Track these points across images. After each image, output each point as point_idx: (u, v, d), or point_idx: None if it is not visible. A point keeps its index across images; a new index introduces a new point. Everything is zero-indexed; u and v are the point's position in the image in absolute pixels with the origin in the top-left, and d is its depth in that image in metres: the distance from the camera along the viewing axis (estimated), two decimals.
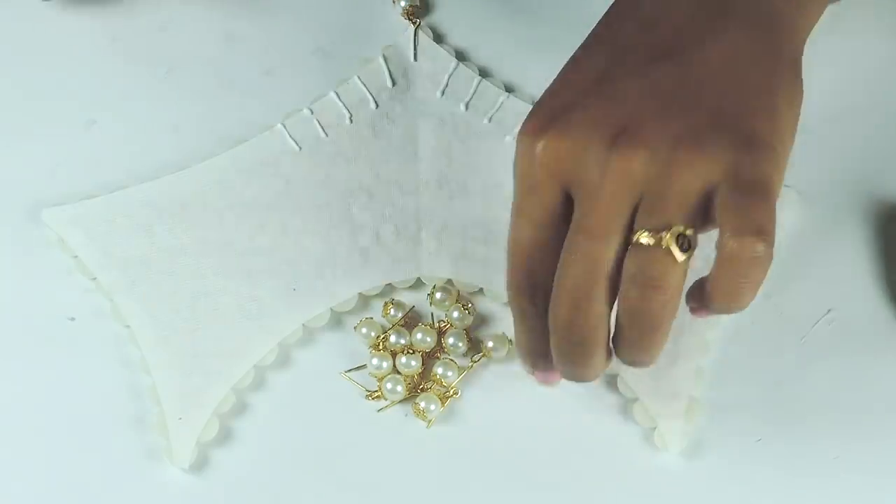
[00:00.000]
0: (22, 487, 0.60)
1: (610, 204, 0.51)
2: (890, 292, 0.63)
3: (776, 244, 0.54)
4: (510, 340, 0.62)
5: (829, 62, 0.70)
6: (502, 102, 0.67)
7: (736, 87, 0.52)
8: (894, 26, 0.71)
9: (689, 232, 0.50)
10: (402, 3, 0.70)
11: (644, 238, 0.50)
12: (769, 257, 0.50)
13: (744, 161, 0.50)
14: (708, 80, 0.53)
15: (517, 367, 0.62)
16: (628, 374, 0.61)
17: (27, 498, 0.60)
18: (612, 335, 0.53)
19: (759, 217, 0.49)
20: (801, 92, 0.54)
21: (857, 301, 0.63)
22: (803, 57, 0.56)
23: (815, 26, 0.58)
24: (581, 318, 0.52)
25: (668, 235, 0.50)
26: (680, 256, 0.50)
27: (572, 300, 0.52)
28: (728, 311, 0.51)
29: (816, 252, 0.65)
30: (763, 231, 0.49)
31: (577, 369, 0.54)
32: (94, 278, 0.64)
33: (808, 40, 0.57)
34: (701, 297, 0.52)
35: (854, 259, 0.64)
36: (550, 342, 0.53)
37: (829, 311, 0.63)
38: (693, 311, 0.53)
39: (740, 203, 0.50)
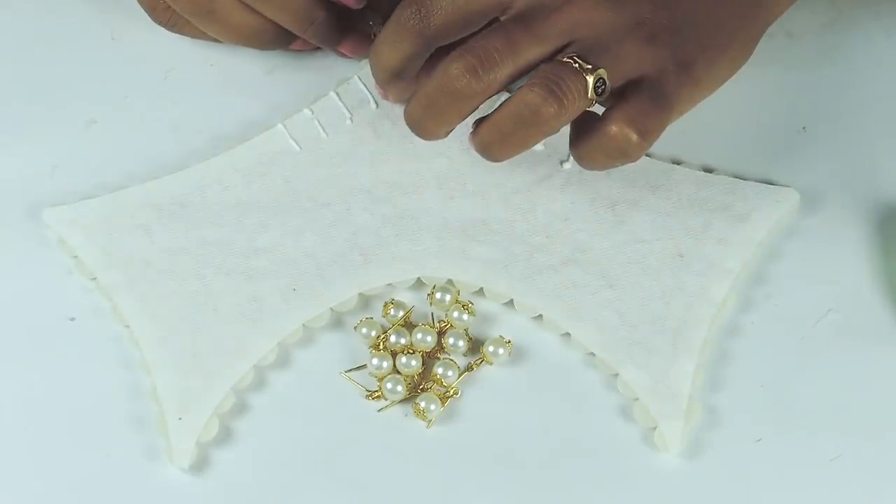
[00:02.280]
0: (22, 487, 0.60)
1: (560, 22, 0.57)
2: (890, 292, 0.63)
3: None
4: (509, 342, 0.62)
5: (829, 62, 0.70)
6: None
7: (702, 25, 0.60)
8: (894, 26, 0.71)
9: (608, 84, 0.57)
10: None
11: (572, 61, 0.57)
12: (637, 154, 0.58)
13: (671, 76, 0.58)
14: (690, 10, 0.60)
15: (517, 368, 0.62)
16: (628, 374, 0.61)
17: (27, 498, 0.60)
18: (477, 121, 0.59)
19: (650, 123, 0.57)
20: (743, 63, 0.62)
21: (857, 301, 0.63)
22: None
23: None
24: (471, 79, 0.57)
25: (594, 73, 0.57)
26: (591, 91, 0.57)
27: (478, 58, 0.57)
28: (581, 165, 0.60)
29: (816, 252, 0.65)
30: (646, 133, 0.57)
31: (427, 118, 0.58)
32: (94, 278, 0.64)
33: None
34: (571, 135, 0.59)
35: (854, 259, 0.64)
36: (422, 81, 0.58)
37: (829, 311, 0.63)
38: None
39: (644, 105, 0.57)
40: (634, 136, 0.57)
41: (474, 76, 0.57)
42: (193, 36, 0.68)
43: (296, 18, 0.65)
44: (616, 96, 0.58)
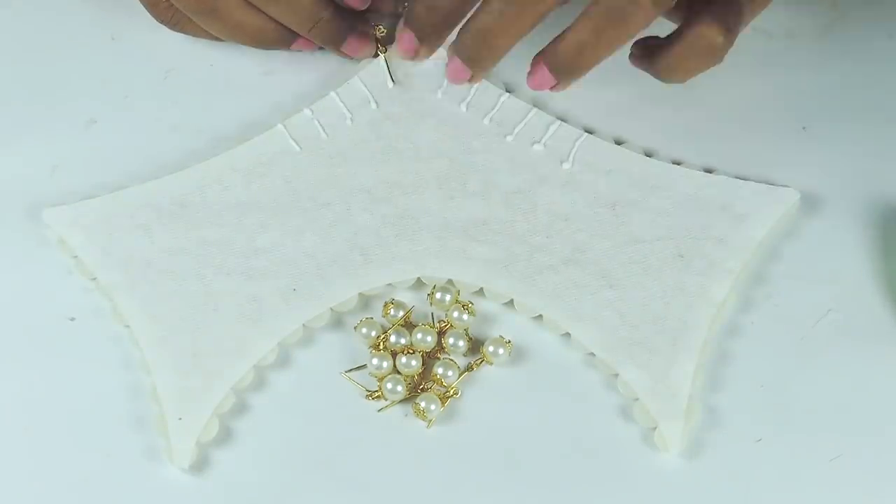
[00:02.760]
0: (22, 487, 0.60)
1: None
2: (890, 292, 0.63)
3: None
4: (509, 342, 0.62)
5: (830, 62, 0.70)
6: (502, 102, 0.67)
7: None
8: (894, 26, 0.71)
9: None
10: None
11: None
12: (722, 53, 0.60)
13: None
14: None
15: (517, 368, 0.62)
16: (628, 374, 0.61)
17: (27, 498, 0.60)
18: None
19: (731, 23, 0.60)
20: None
21: (857, 301, 0.63)
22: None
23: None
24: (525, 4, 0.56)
25: None
26: (654, 6, 0.56)
27: None
28: (664, 78, 0.61)
29: (816, 252, 0.65)
30: (729, 33, 0.60)
31: (500, 28, 0.57)
32: (94, 278, 0.64)
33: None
34: (643, 57, 0.61)
35: (854, 259, 0.64)
36: (472, 17, 0.57)
37: (829, 311, 0.63)
38: (634, 62, 0.63)
39: (722, 8, 0.59)
40: (720, 36, 0.59)
41: None
42: (194, 34, 0.68)
43: (300, 18, 0.65)
44: (685, 9, 0.60)
